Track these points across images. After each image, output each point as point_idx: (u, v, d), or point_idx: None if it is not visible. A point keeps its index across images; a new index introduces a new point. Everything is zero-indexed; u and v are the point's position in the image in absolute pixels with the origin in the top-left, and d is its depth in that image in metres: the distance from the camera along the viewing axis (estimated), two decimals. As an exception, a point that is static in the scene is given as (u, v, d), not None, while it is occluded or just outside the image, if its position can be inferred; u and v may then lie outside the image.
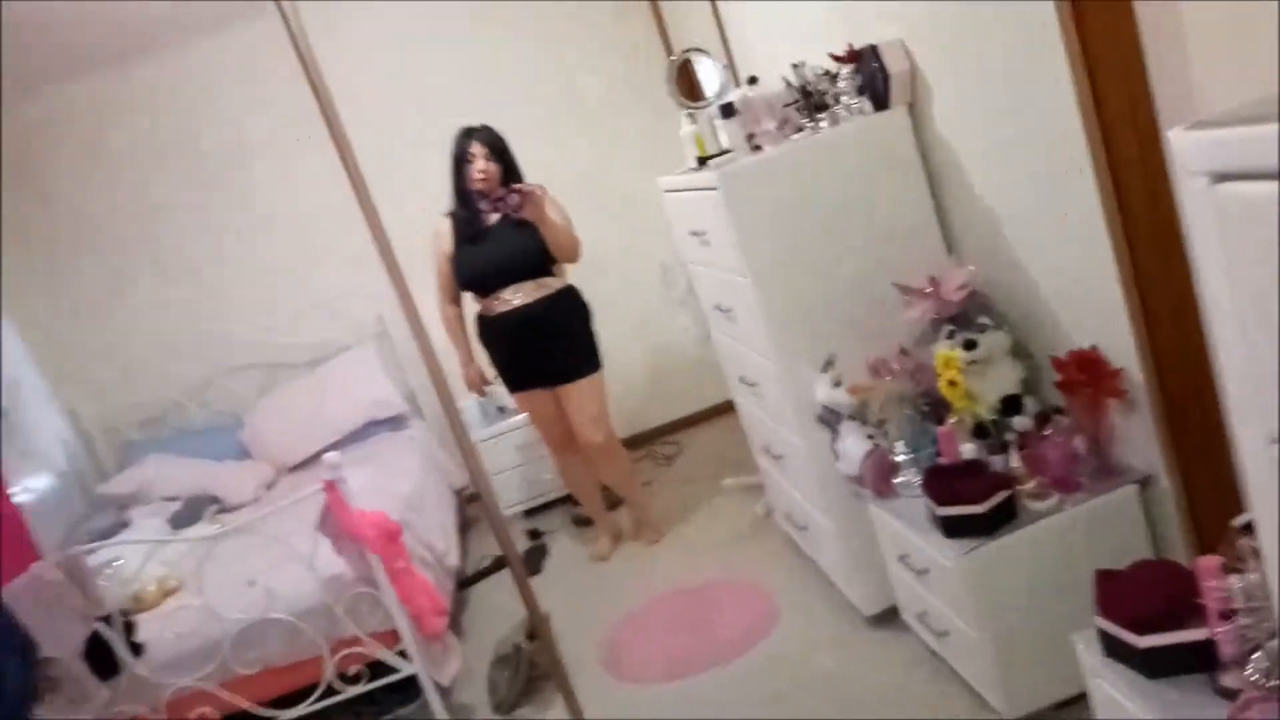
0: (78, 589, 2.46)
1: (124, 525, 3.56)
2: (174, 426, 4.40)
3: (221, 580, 2.75)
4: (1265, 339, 0.87)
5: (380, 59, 4.34)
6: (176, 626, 2.61)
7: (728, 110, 2.81)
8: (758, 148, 2.67)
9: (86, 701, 2.47)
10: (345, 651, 2.63)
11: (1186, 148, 0.89)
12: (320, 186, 3.84)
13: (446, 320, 3.57)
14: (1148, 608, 1.49)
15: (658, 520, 3.82)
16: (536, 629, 2.04)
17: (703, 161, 2.96)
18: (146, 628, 2.65)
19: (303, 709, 2.65)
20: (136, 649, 2.57)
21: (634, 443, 4.65)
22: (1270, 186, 0.81)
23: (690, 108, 3.14)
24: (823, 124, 2.58)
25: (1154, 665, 1.48)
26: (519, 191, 3.17)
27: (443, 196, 3.48)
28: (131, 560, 2.77)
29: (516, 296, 3.37)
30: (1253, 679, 1.28)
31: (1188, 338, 1.82)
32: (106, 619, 2.52)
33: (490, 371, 3.63)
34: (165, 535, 3.23)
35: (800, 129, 2.66)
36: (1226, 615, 1.34)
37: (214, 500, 3.77)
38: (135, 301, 4.42)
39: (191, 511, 3.57)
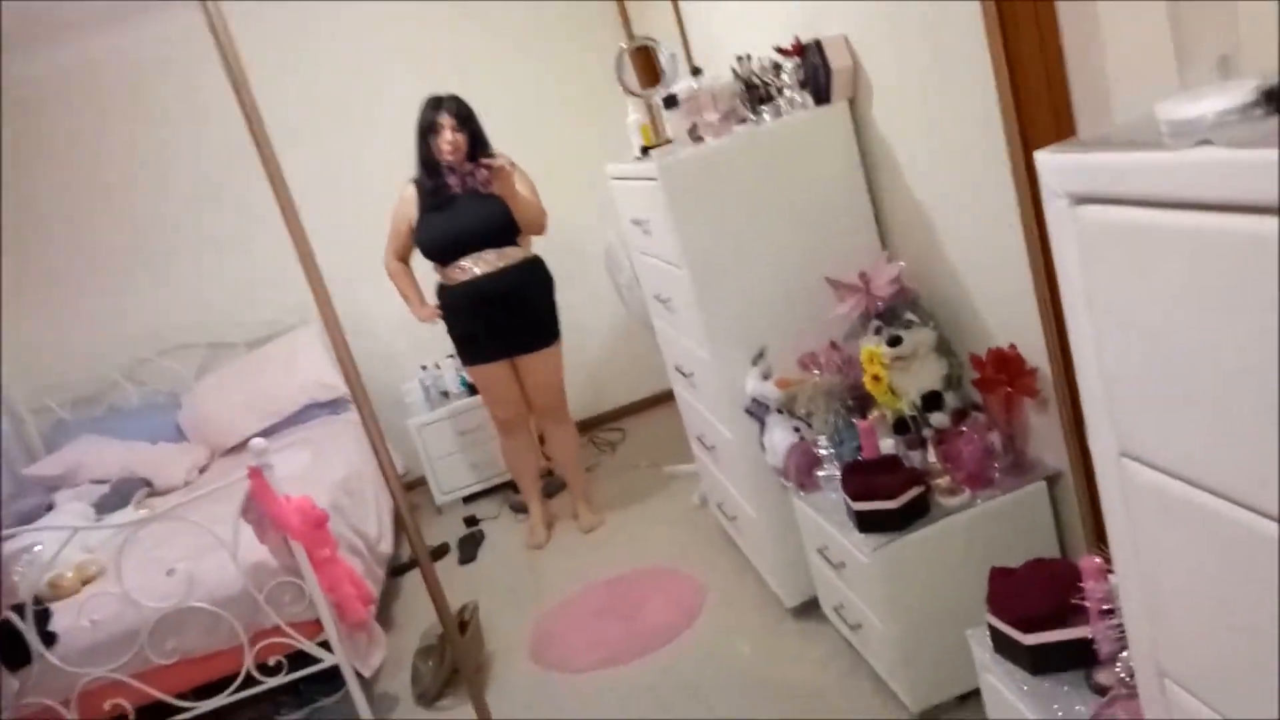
0: (-12, 576, 2.41)
1: (50, 508, 3.48)
2: (108, 406, 4.30)
3: (142, 567, 2.71)
4: (1117, 357, 0.89)
5: (338, 40, 4.30)
6: (93, 614, 2.56)
7: (670, 101, 2.81)
8: (700, 139, 2.66)
9: (-4, 691, 2.42)
10: (265, 641, 2.60)
11: (1050, 169, 0.90)
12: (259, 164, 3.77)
13: (392, 272, 3.61)
14: (1034, 606, 1.52)
15: (598, 506, 3.83)
16: (447, 626, 2.03)
17: (646, 151, 2.96)
18: (62, 616, 2.59)
19: (220, 700, 2.62)
20: (50, 638, 2.52)
21: (579, 429, 4.64)
22: (1124, 212, 0.82)
23: (635, 96, 3.13)
24: (766, 116, 2.58)
25: (1038, 662, 1.52)
26: (488, 166, 3.14)
27: (397, 176, 3.45)
28: (50, 546, 2.72)
29: (478, 265, 3.37)
30: (1121, 676, 1.31)
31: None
32: (19, 608, 2.47)
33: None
34: (89, 519, 3.17)
35: (744, 121, 2.67)
36: (1106, 614, 1.37)
37: (145, 483, 3.70)
38: (69, 279, 4.31)
39: (119, 495, 3.50)
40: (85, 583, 2.79)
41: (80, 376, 4.30)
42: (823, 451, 2.45)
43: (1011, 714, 1.59)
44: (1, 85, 4.04)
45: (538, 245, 3.61)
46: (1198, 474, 0.82)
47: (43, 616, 2.55)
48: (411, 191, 3.46)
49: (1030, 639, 1.51)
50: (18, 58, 4.01)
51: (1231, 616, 0.84)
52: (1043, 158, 0.90)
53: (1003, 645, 1.58)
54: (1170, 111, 0.76)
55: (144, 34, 4.08)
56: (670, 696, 2.57)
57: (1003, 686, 1.58)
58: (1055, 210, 0.91)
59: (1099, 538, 1.96)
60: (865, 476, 2.15)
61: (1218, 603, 0.86)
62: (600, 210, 4.02)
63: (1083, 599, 1.45)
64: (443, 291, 3.49)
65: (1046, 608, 1.51)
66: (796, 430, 2.49)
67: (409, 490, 4.56)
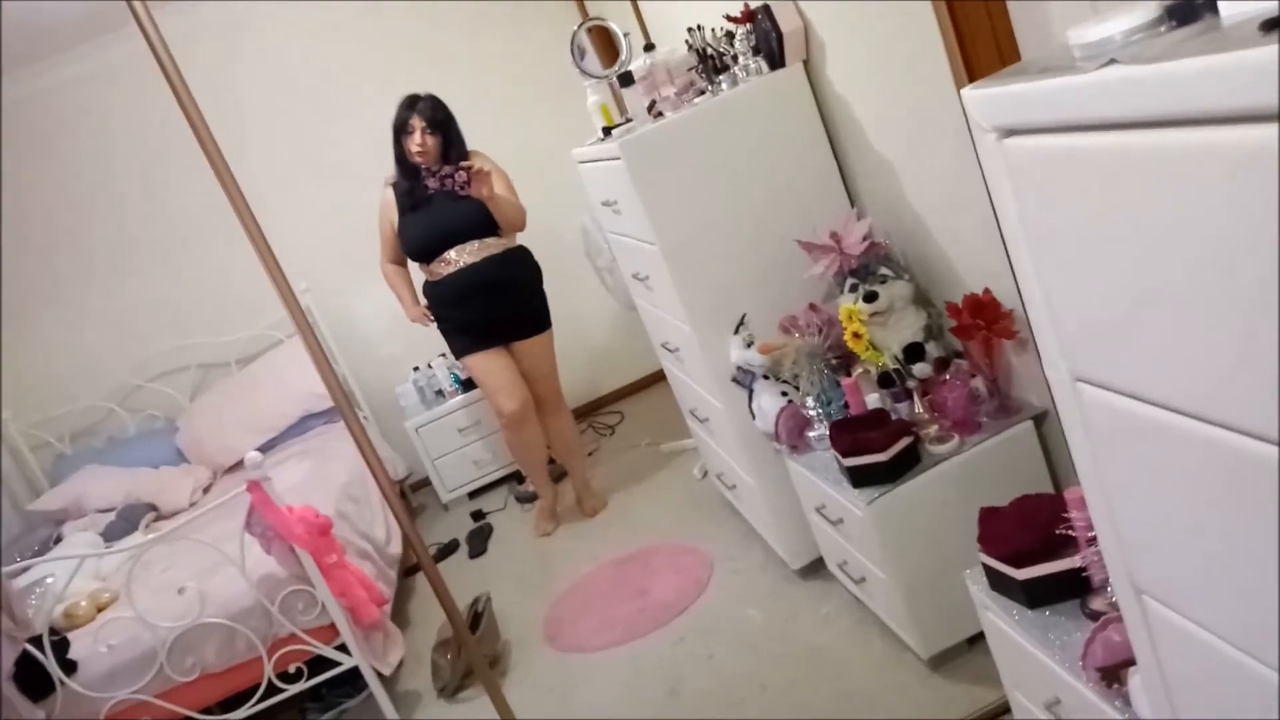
0: (2, 612, 2.44)
1: (58, 540, 3.51)
2: (106, 436, 4.34)
3: (154, 589, 2.74)
4: (1058, 284, 0.91)
5: (300, 42, 4.32)
6: (109, 639, 2.59)
7: (626, 79, 2.81)
8: (659, 114, 2.67)
9: (22, 723, 2.46)
10: (283, 650, 2.64)
11: (976, 104, 0.91)
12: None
13: (387, 275, 3.64)
14: (1024, 541, 1.54)
15: (600, 490, 3.86)
16: (455, 623, 2.05)
17: (608, 131, 2.96)
18: (80, 644, 2.63)
19: (245, 711, 2.66)
20: (70, 666, 2.55)
21: (576, 415, 4.66)
22: (1047, 140, 0.84)
23: (591, 78, 3.13)
24: (723, 86, 2.59)
25: (1033, 595, 1.54)
26: (467, 169, 3.14)
27: (374, 178, 3.48)
28: (61, 577, 2.75)
29: (464, 256, 3.39)
30: (1113, 600, 1.33)
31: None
32: (37, 639, 2.50)
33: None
34: (97, 548, 3.20)
35: (702, 93, 2.67)
36: (1093, 541, 1.39)
37: (150, 508, 3.73)
38: (55, 310, 4.33)
39: (126, 522, 3.54)
40: (100, 609, 2.82)
41: (75, 409, 4.33)
42: (811, 412, 2.47)
43: (1013, 649, 1.62)
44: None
45: (518, 237, 3.62)
46: (1145, 390, 0.84)
47: (61, 646, 2.58)
48: (389, 194, 3.47)
49: (1023, 573, 1.53)
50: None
51: (1192, 526, 0.86)
52: (968, 94, 0.91)
53: (998, 582, 1.61)
54: (1081, 35, 0.77)
55: (121, 53, 4.09)
56: (685, 667, 2.61)
57: (1002, 622, 1.61)
58: (985, 145, 0.93)
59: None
60: (853, 432, 2.17)
61: (1178, 514, 0.88)
62: (575, 196, 4.03)
63: (1070, 530, 1.47)
64: (429, 288, 3.50)
65: (1035, 541, 1.53)
66: (784, 394, 2.52)
67: (415, 490, 4.60)
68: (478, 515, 4.11)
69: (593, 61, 3.14)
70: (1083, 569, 1.47)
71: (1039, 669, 1.53)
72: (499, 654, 2.96)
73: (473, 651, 2.25)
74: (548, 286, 3.64)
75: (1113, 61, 0.71)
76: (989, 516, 1.66)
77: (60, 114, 4.18)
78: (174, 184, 4.26)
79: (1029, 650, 1.54)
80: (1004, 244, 1.92)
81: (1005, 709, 1.99)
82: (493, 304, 3.44)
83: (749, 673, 2.48)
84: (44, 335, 4.33)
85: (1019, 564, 1.54)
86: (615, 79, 2.88)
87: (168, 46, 1.85)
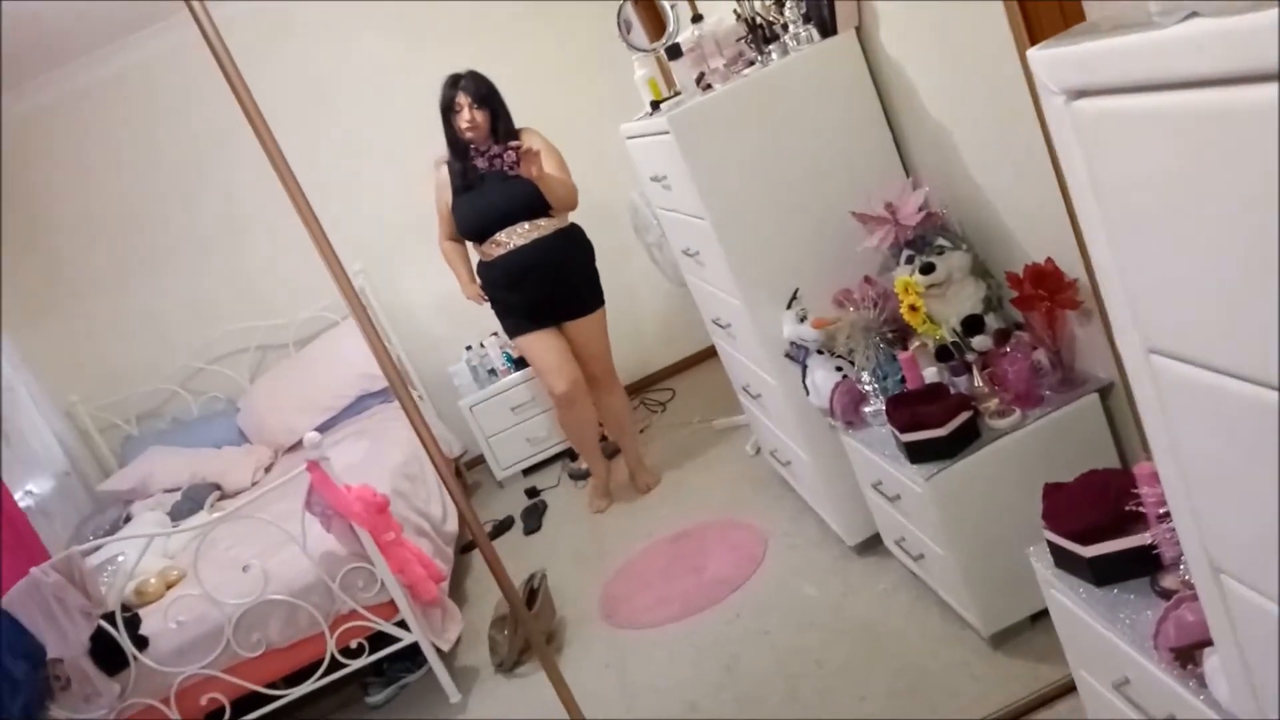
0: (77, 589, 2.52)
1: (128, 519, 3.62)
2: (171, 418, 4.45)
3: (220, 567, 2.81)
4: (1131, 251, 0.87)
5: (349, 20, 4.33)
6: (179, 616, 2.67)
7: (674, 51, 2.77)
8: (708, 86, 2.63)
9: (98, 697, 2.54)
10: (345, 626, 2.69)
11: (1043, 65, 0.87)
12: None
13: (445, 252, 3.64)
14: (1091, 518, 1.50)
15: (653, 467, 3.86)
16: (511, 599, 2.07)
17: (656, 106, 2.93)
18: (151, 620, 2.71)
19: (308, 686, 2.72)
20: (142, 642, 2.63)
21: (629, 393, 4.66)
22: (1119, 100, 0.80)
23: (639, 51, 3.10)
24: (773, 56, 2.54)
25: (1100, 573, 1.50)
26: (515, 149, 3.09)
27: (422, 158, 3.50)
28: (130, 556, 2.83)
29: (514, 238, 3.38)
30: (1185, 579, 1.29)
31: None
32: (110, 615, 2.58)
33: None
34: (165, 527, 3.29)
35: (752, 63, 2.62)
36: (1164, 518, 1.35)
37: (215, 487, 3.83)
38: (120, 297, 4.44)
39: (192, 501, 3.63)
40: (169, 587, 2.90)
41: (140, 391, 4.44)
42: (866, 387, 2.43)
43: (1079, 628, 1.58)
44: (51, 99, 4.13)
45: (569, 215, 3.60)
46: (1223, 361, 0.80)
47: (133, 622, 2.66)
48: (443, 173, 3.48)
49: (1090, 550, 1.49)
50: (67, 68, 4.11)
51: (1272, 501, 0.83)
52: (1035, 54, 0.87)
53: (1064, 560, 1.57)
54: (1159, -11, 0.73)
55: (184, 44, 4.14)
56: (741, 644, 2.60)
57: (1068, 601, 1.57)
58: (1053, 108, 0.89)
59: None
60: (911, 407, 2.13)
61: (1261, 490, 0.84)
62: (624, 171, 4.00)
63: (1139, 505, 1.42)
64: (482, 268, 3.51)
65: (1103, 517, 1.49)
66: (839, 369, 2.48)
67: (470, 468, 4.64)
68: (532, 492, 4.14)
69: (639, 35, 3.11)
70: (1153, 546, 1.42)
71: (1107, 648, 1.49)
72: (555, 630, 2.99)
73: (529, 628, 2.27)
74: (599, 263, 3.63)
75: (1193, 15, 0.67)
76: (1054, 492, 1.61)
77: (121, 103, 4.27)
78: (229, 173, 4.32)
79: (1097, 629, 1.50)
80: (1069, 211, 1.87)
81: (1069, 687, 1.95)
82: (543, 285, 3.43)
83: (805, 649, 2.47)
84: (109, 321, 4.44)
85: (1086, 541, 1.49)
86: (663, 52, 2.84)
87: (222, 37, 1.86)
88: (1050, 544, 1.59)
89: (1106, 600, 1.50)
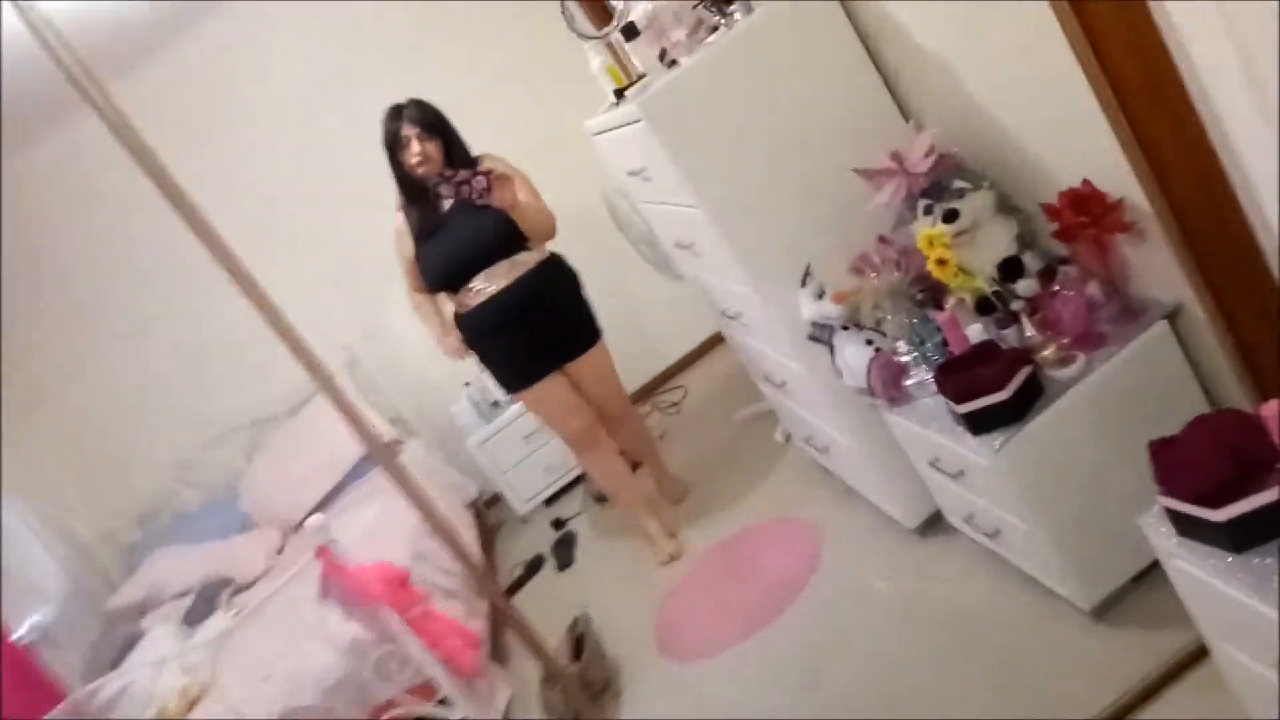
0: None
1: (141, 636, 3.40)
2: (172, 515, 4.22)
3: (243, 673, 2.59)
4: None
5: (296, 65, 4.12)
6: (207, 737, 2.46)
7: (629, 31, 2.54)
8: (673, 62, 2.40)
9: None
10: (386, 717, 2.47)
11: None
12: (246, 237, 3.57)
13: (415, 305, 3.24)
14: (1216, 474, 1.27)
15: (680, 475, 3.62)
16: (550, 669, 1.85)
17: (620, 94, 2.70)
18: (178, 745, 2.50)
19: (359, 783, 2.51)
20: (171, 772, 2.42)
21: (637, 399, 4.44)
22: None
23: (591, 40, 2.87)
24: (736, 16, 2.30)
25: (1238, 538, 1.27)
26: (486, 174, 2.76)
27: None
28: (144, 681, 2.61)
29: (492, 282, 2.98)
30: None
31: (1189, 143, 1.57)
32: (131, 751, 2.37)
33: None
34: (179, 639, 3.07)
35: (715, 29, 2.39)
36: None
37: (227, 582, 3.61)
38: (99, 401, 4.21)
39: (205, 602, 3.42)
40: (191, 704, 2.68)
41: (135, 494, 4.21)
42: (905, 358, 2.21)
43: (1217, 600, 1.35)
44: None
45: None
46: None
47: (159, 753, 2.45)
48: (400, 220, 3.07)
49: (1223, 513, 1.26)
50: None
51: None
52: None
53: (1189, 527, 1.34)
54: None
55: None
56: (819, 654, 2.38)
57: (1199, 571, 1.34)
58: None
59: (1252, 369, 1.70)
60: (962, 372, 1.91)
61: None
62: (590, 172, 3.75)
63: (1274, 453, 1.20)
64: (460, 320, 3.10)
65: (1230, 473, 1.26)
66: (869, 342, 2.26)
67: (489, 507, 4.42)
68: (558, 524, 3.91)
69: (586, 24, 2.88)
70: (1301, 497, 1.20)
71: (1260, 624, 1.27)
72: (610, 676, 2.76)
73: (574, 690, 2.03)
74: (583, 274, 3.36)
75: None
76: (1163, 450, 1.38)
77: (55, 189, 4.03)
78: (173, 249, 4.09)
79: (1244, 603, 1.28)
80: (1107, 116, 1.63)
81: (1197, 654, 1.73)
82: (534, 329, 3.05)
83: (891, 649, 2.25)
84: (94, 428, 4.21)
85: (1217, 503, 1.27)
86: (618, 36, 2.61)
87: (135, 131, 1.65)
88: (1169, 510, 1.36)
89: (1248, 568, 1.28)
